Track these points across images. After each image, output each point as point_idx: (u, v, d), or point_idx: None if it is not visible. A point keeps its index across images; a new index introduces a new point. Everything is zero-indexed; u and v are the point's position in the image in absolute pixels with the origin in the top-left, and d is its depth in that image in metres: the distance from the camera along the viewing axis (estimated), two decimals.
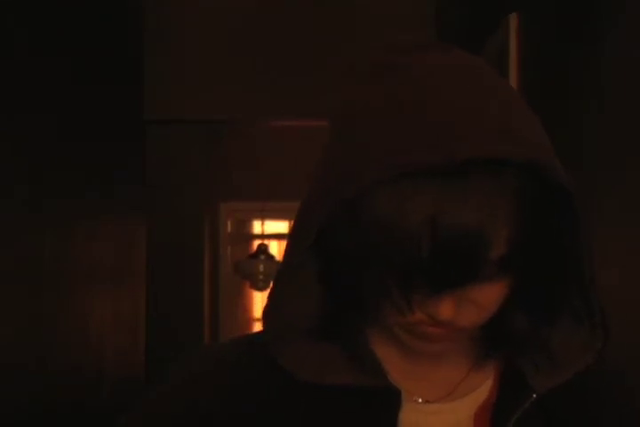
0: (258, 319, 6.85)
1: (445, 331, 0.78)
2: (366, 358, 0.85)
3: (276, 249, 6.90)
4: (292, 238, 0.80)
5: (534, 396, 0.84)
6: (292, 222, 0.83)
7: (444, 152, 0.71)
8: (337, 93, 0.82)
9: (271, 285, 0.84)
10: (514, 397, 0.85)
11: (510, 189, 0.74)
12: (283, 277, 0.82)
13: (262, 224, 6.82)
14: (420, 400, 0.87)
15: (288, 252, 0.80)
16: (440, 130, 0.73)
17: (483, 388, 0.88)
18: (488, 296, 0.77)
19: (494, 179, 0.73)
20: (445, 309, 0.76)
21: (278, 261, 6.08)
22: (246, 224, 7.23)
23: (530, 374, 0.85)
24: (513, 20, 2.63)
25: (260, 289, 6.40)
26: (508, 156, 0.72)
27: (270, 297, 0.83)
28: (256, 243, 6.68)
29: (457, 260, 0.72)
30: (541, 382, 0.85)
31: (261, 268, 6.26)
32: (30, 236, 2.80)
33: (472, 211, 0.72)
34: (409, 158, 0.71)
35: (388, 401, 0.84)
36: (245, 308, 7.13)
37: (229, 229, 6.84)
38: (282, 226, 7.07)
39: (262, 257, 6.33)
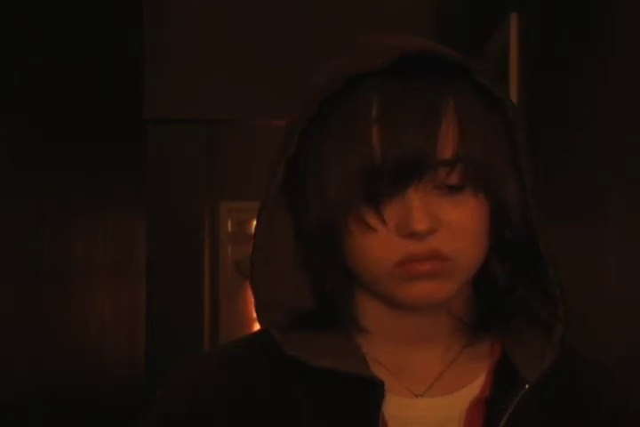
0: None
1: (431, 266, 0.79)
2: (350, 349, 0.85)
3: None
4: (271, 175, 0.84)
5: (527, 386, 0.84)
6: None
7: (381, 56, 0.79)
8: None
9: (251, 262, 0.86)
10: (508, 392, 0.84)
11: (448, 90, 0.79)
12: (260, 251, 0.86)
13: None
14: (408, 393, 0.86)
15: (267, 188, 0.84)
16: (377, 46, 0.82)
17: (475, 383, 0.87)
18: (458, 217, 0.80)
19: (431, 79, 0.79)
20: (418, 218, 0.78)
21: None
22: (246, 224, 7.23)
23: (520, 366, 0.85)
24: (513, 20, 2.63)
25: None
26: (437, 50, 0.80)
27: (255, 282, 0.86)
28: None
29: (405, 156, 0.77)
30: (532, 369, 0.85)
31: None
32: (30, 235, 2.80)
33: (413, 107, 0.78)
34: (349, 66, 0.80)
35: (371, 393, 0.83)
36: (245, 308, 7.13)
37: (229, 228, 6.84)
38: None
39: None
